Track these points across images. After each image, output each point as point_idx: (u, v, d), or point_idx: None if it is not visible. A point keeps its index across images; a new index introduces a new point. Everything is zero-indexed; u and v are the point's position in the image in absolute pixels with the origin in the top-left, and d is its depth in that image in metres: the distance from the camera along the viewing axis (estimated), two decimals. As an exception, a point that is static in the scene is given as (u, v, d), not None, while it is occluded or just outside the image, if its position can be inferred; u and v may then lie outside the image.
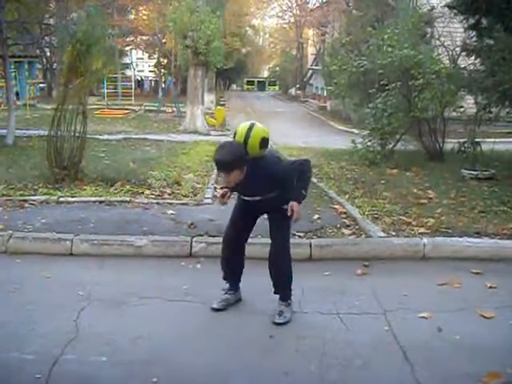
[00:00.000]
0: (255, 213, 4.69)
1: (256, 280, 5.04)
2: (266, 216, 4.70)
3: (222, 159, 4.22)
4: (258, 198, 4.47)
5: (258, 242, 5.93)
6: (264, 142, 4.32)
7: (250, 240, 5.92)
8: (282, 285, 4.56)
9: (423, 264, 5.84)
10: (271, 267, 4.57)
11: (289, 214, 4.27)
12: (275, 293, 4.58)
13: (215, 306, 4.62)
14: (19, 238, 6.01)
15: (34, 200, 7.63)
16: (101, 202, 7.66)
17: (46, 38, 27.96)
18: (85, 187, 8.45)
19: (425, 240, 6.10)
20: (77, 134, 8.86)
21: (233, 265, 4.76)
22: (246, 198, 4.57)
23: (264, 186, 4.39)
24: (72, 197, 7.89)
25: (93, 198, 7.81)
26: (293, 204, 4.27)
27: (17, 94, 26.65)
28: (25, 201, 7.58)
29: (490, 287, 5.12)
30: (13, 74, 21.37)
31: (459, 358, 3.83)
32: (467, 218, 7.18)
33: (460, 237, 6.30)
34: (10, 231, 6.16)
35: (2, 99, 25.09)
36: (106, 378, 3.53)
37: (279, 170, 4.38)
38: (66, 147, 8.85)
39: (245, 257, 4.80)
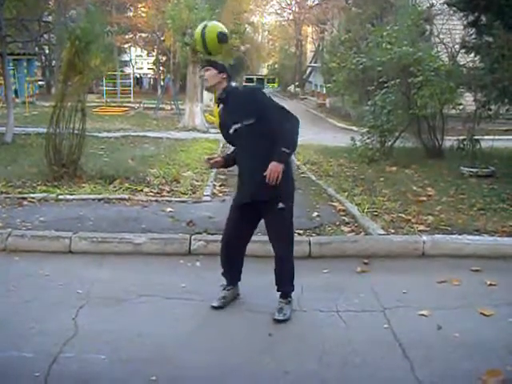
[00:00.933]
0: (253, 207, 4.47)
1: (256, 278, 5.04)
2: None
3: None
4: (236, 126, 4.32)
5: (259, 239, 5.92)
6: (221, 35, 4.33)
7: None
8: (285, 282, 4.57)
9: (423, 261, 5.83)
10: (276, 267, 4.57)
11: (267, 176, 4.09)
12: (278, 290, 4.57)
13: (215, 304, 4.60)
14: (18, 236, 6.00)
15: (32, 198, 7.62)
16: (100, 199, 7.66)
17: (44, 35, 27.93)
18: (83, 185, 8.45)
19: (424, 237, 6.09)
20: (76, 132, 8.86)
21: (232, 263, 4.75)
22: (230, 131, 4.39)
23: (242, 111, 4.29)
24: (71, 194, 7.89)
25: (92, 196, 7.81)
26: (272, 164, 4.09)
27: (15, 91, 26.63)
28: (23, 198, 7.58)
29: (490, 284, 5.11)
30: (11, 71, 21.37)
31: (458, 356, 3.82)
32: (466, 216, 7.18)
33: (459, 234, 6.29)
34: (9, 229, 6.15)
35: (0, 97, 25.07)
36: (105, 376, 3.52)
37: (257, 94, 4.38)
38: (65, 145, 8.85)
39: (244, 256, 4.79)
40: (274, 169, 4.09)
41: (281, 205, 4.36)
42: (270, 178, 4.09)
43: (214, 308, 4.58)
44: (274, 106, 4.31)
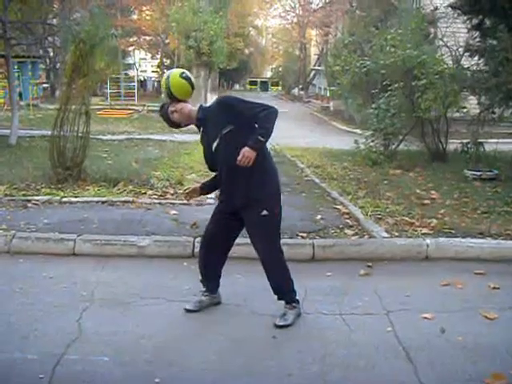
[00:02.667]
0: (234, 208, 4.35)
1: (259, 280, 5.04)
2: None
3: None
4: (216, 142, 4.24)
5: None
6: (184, 74, 4.38)
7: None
8: (282, 290, 4.48)
9: (426, 265, 5.82)
10: (267, 276, 4.47)
11: (238, 159, 4.01)
12: (279, 299, 4.50)
13: (189, 307, 4.56)
14: (22, 238, 6.02)
15: (36, 200, 7.64)
16: (103, 202, 7.67)
17: (49, 38, 27.97)
18: (87, 187, 8.47)
19: (428, 241, 6.09)
20: (80, 134, 8.88)
21: (209, 266, 4.62)
22: (213, 150, 4.30)
23: (218, 124, 4.22)
24: (75, 197, 7.90)
25: (95, 199, 7.82)
26: (245, 149, 4.00)
27: (20, 94, 26.70)
28: (28, 201, 7.60)
29: (493, 288, 5.11)
30: (16, 74, 21.43)
31: (462, 359, 3.81)
32: (470, 219, 7.17)
33: (463, 237, 6.28)
34: (13, 231, 6.17)
35: (5, 99, 25.13)
36: (108, 378, 3.53)
37: (228, 101, 4.34)
38: (69, 147, 8.87)
39: (224, 261, 4.68)
40: (246, 154, 3.99)
41: (264, 212, 4.23)
42: (240, 161, 4.00)
43: (188, 311, 4.54)
44: (248, 105, 4.22)
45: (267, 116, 4.12)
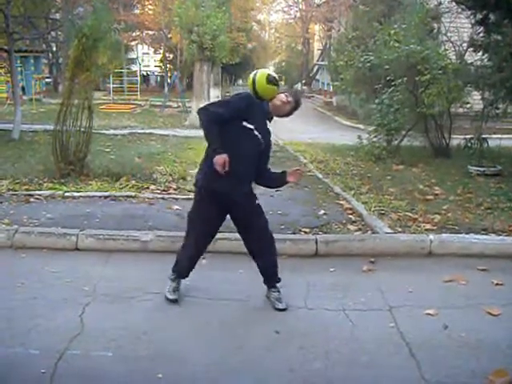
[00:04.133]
0: (225, 203, 4.48)
1: (261, 277, 5.04)
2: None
3: None
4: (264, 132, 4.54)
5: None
6: (270, 78, 4.39)
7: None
8: (275, 275, 4.66)
9: (429, 260, 5.81)
10: (264, 258, 4.63)
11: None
12: (272, 285, 4.63)
13: (171, 297, 4.66)
14: (25, 233, 6.02)
15: (39, 195, 7.64)
16: (106, 196, 7.66)
17: (51, 32, 27.97)
18: (90, 182, 8.47)
19: (431, 236, 6.07)
20: (82, 129, 8.87)
21: (196, 260, 4.74)
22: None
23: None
24: (77, 192, 7.90)
25: (98, 193, 7.82)
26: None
27: (23, 88, 26.70)
28: (30, 195, 7.59)
29: (497, 284, 5.10)
30: (19, 68, 21.42)
31: (465, 356, 3.81)
32: (474, 215, 7.16)
33: (466, 233, 6.27)
34: (16, 226, 6.17)
35: (8, 94, 25.13)
36: (111, 374, 3.53)
37: None
38: (72, 142, 8.86)
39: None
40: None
41: (257, 201, 4.54)
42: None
43: (171, 301, 4.62)
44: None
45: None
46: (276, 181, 4.77)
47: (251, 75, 4.46)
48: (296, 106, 4.54)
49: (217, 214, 4.54)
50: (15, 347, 3.78)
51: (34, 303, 4.52)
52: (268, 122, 4.56)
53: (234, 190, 4.37)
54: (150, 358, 3.72)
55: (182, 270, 4.75)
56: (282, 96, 4.47)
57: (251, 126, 4.35)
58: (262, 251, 4.63)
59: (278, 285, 4.65)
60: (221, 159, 4.11)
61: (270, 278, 4.66)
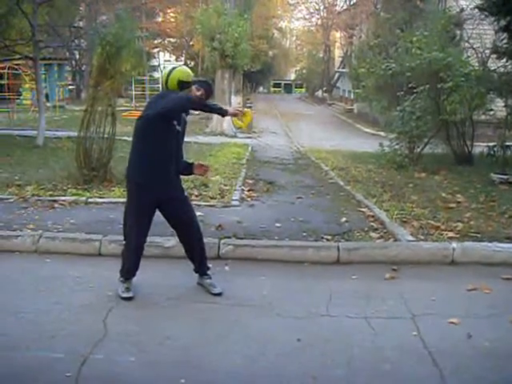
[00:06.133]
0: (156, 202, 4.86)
1: (284, 282, 5.06)
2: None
3: None
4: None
5: (286, 244, 5.95)
6: (181, 85, 4.71)
7: (276, 243, 5.98)
8: (206, 260, 5.12)
9: (452, 269, 5.76)
10: (198, 245, 5.04)
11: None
12: (204, 273, 5.04)
13: (126, 295, 4.78)
14: (49, 238, 6.09)
15: (63, 200, 7.73)
16: (129, 203, 7.70)
17: (75, 40, 28.32)
18: (113, 188, 8.54)
19: (454, 244, 6.02)
20: (106, 136, 8.97)
21: (140, 259, 4.95)
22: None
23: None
24: (100, 198, 7.98)
25: (121, 199, 7.84)
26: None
27: (46, 95, 27.02)
28: (54, 201, 7.69)
29: (521, 293, 5.04)
30: (43, 76, 21.68)
31: (489, 366, 3.76)
32: (497, 223, 7.08)
33: (490, 242, 6.20)
34: (40, 231, 6.25)
35: (32, 101, 25.48)
36: (134, 378, 3.55)
37: None
38: (95, 148, 8.97)
39: None
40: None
41: (186, 193, 5.07)
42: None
43: (127, 299, 4.75)
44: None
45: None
46: (185, 169, 5.13)
47: (167, 71, 4.77)
48: (207, 94, 4.80)
49: (149, 204, 4.84)
50: (40, 351, 3.83)
51: (58, 308, 4.56)
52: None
53: (168, 185, 4.82)
54: (172, 363, 3.74)
55: (128, 273, 4.93)
56: (193, 89, 4.73)
57: (174, 122, 4.70)
58: (193, 240, 5.02)
59: (208, 272, 5.07)
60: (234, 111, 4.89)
61: (200, 266, 5.03)
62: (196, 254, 5.07)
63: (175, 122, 4.70)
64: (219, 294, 4.89)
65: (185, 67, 4.93)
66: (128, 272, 4.91)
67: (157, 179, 4.75)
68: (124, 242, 5.03)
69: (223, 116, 4.86)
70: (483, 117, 12.59)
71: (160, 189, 4.78)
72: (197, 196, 8.41)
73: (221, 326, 4.37)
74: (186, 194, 5.08)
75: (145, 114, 4.67)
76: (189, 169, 5.13)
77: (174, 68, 4.79)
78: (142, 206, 4.82)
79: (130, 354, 3.82)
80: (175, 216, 4.99)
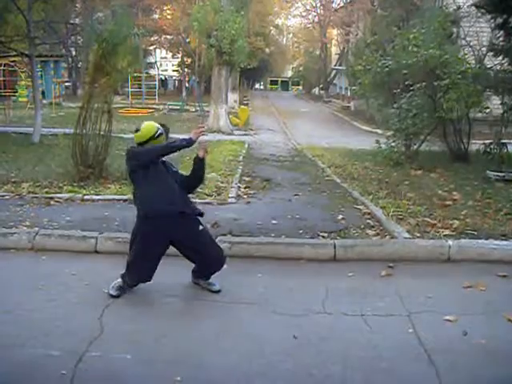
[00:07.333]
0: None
1: (281, 279, 5.06)
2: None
3: None
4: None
5: (282, 241, 5.95)
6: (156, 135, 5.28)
7: (273, 240, 5.98)
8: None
9: (448, 266, 5.77)
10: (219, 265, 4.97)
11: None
12: (208, 278, 5.00)
13: (112, 292, 4.80)
14: (45, 236, 6.08)
15: (59, 198, 7.72)
16: (125, 200, 7.71)
17: (71, 37, 28.27)
18: (109, 185, 8.54)
19: (450, 242, 6.02)
20: (102, 133, 8.96)
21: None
22: None
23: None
24: (96, 195, 7.97)
25: (117, 197, 7.87)
26: None
27: (43, 92, 26.98)
28: (50, 198, 7.68)
29: (517, 290, 5.05)
30: (39, 73, 21.61)
31: (485, 363, 3.77)
32: (493, 221, 7.09)
33: (486, 239, 6.21)
34: (36, 228, 6.24)
35: (28, 98, 25.41)
36: (130, 376, 3.55)
37: None
38: (91, 145, 8.95)
39: None
40: None
41: (201, 227, 5.01)
42: None
43: (114, 297, 4.76)
44: None
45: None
46: (195, 170, 5.38)
47: (139, 133, 5.30)
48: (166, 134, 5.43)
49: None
50: (36, 348, 3.82)
51: (54, 305, 4.56)
52: None
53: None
54: (168, 361, 3.74)
55: (131, 284, 4.92)
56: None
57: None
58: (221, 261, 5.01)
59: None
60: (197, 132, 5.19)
61: (211, 274, 4.98)
62: (210, 268, 5.02)
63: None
64: (218, 292, 4.89)
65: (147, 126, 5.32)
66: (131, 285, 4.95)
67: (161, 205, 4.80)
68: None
69: (189, 146, 5.20)
70: (479, 114, 12.56)
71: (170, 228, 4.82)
72: (193, 193, 8.38)
73: (217, 323, 4.36)
74: (201, 226, 5.00)
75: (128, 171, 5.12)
76: (196, 162, 5.42)
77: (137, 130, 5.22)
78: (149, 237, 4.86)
79: (126, 352, 3.82)
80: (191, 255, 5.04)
